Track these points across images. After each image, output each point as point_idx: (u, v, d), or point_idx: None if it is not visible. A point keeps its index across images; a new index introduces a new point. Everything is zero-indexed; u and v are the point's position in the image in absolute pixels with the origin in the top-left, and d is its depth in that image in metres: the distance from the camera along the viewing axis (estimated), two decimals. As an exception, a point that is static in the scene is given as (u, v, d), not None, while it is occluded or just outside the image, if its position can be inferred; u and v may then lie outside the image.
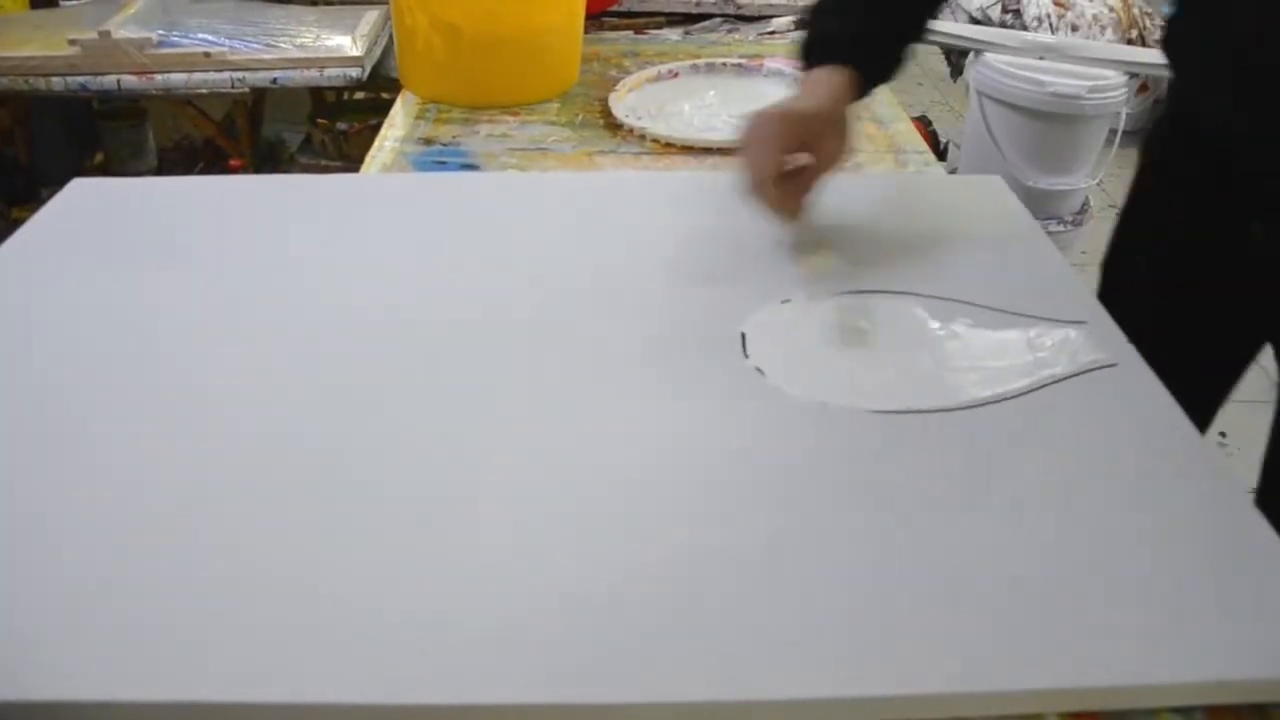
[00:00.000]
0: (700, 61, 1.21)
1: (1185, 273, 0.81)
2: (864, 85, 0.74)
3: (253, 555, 0.48)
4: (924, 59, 3.46)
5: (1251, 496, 0.52)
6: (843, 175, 0.93)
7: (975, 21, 2.28)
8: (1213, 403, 0.86)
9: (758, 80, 1.19)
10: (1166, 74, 0.80)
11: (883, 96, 1.16)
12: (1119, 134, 2.16)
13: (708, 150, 1.00)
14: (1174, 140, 0.82)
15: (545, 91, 1.13)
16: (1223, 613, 0.45)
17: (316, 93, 2.10)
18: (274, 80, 1.59)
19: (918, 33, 0.79)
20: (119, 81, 1.55)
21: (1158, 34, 2.15)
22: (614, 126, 1.06)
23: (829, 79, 0.72)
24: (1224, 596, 0.46)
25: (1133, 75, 2.09)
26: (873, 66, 0.75)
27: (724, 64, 1.21)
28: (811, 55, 0.75)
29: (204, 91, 1.60)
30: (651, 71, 1.18)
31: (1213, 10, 0.72)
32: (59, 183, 0.84)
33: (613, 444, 0.55)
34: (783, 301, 0.68)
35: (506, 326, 0.65)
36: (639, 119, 1.06)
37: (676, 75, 1.19)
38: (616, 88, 1.12)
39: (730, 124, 1.06)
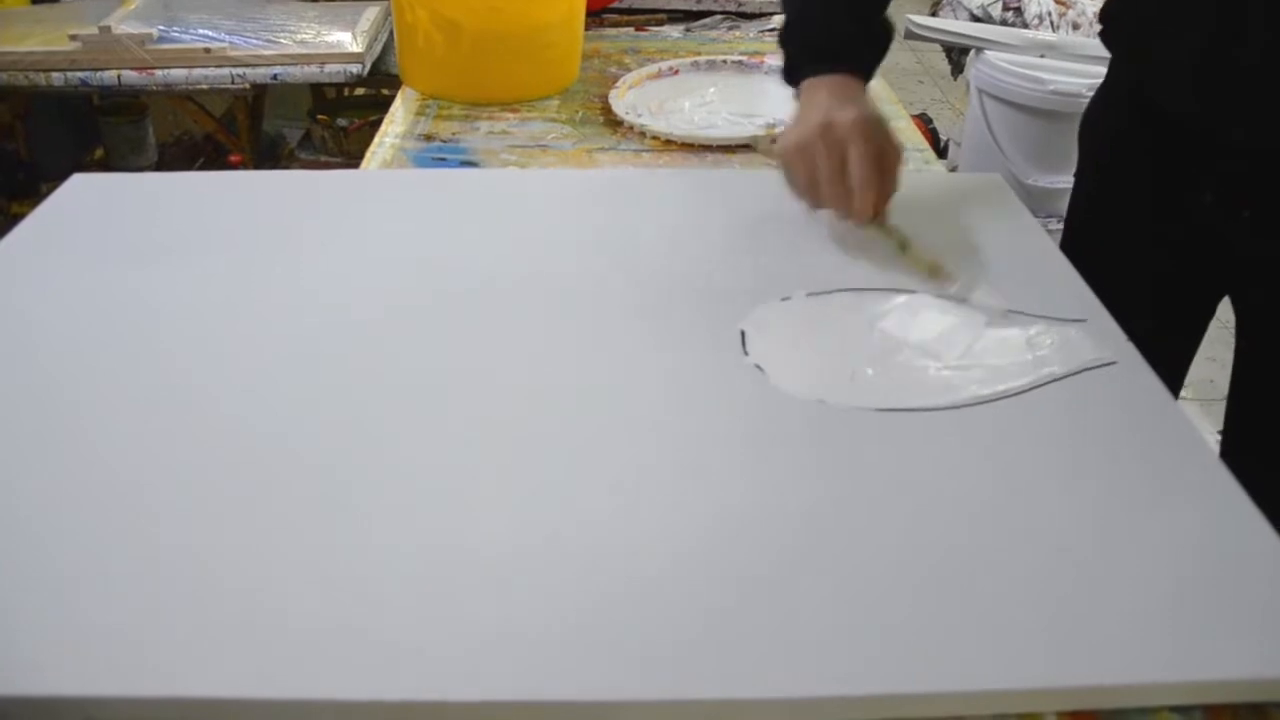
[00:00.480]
0: (701, 59, 1.21)
1: (1143, 234, 0.84)
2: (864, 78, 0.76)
3: (248, 552, 0.47)
4: (925, 57, 3.46)
5: (1249, 498, 0.52)
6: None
7: (976, 19, 2.28)
8: (1181, 359, 0.90)
9: (758, 77, 1.19)
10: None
11: (883, 94, 1.16)
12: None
13: (708, 147, 1.00)
14: (1123, 113, 0.84)
15: (546, 88, 1.13)
16: (1221, 612, 0.45)
17: (317, 89, 2.10)
18: (274, 76, 1.59)
19: (889, 31, 0.81)
20: (119, 77, 1.55)
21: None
22: (614, 123, 1.06)
23: (832, 78, 0.74)
24: (1222, 596, 0.46)
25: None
26: (868, 58, 0.77)
27: (724, 61, 1.21)
28: (801, 65, 0.77)
29: (204, 87, 1.60)
30: (652, 69, 1.18)
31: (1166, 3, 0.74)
32: (59, 178, 0.84)
33: (612, 441, 0.55)
34: (782, 299, 0.68)
35: (506, 323, 0.65)
36: (639, 116, 1.06)
37: (677, 72, 1.18)
38: (617, 85, 1.12)
39: (730, 121, 1.06)
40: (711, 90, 1.15)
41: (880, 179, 0.71)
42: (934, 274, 0.70)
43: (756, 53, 1.24)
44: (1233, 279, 0.82)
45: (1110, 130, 0.87)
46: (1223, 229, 0.77)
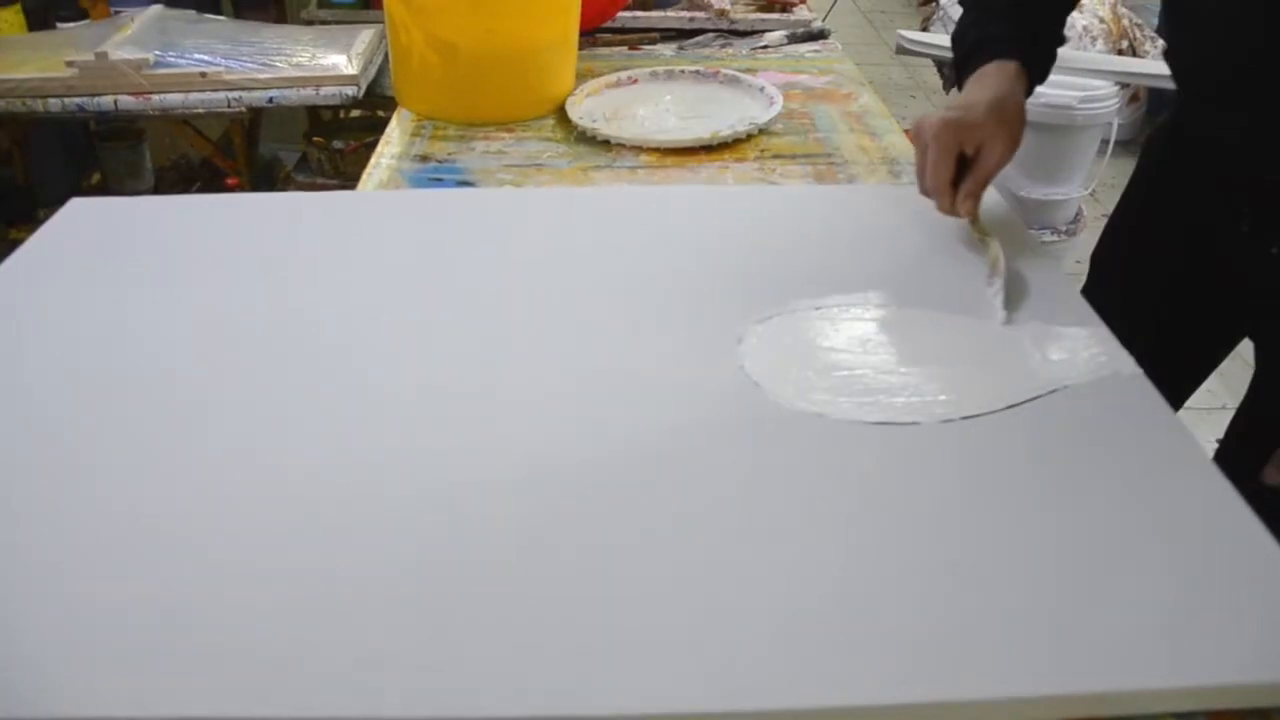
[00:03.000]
0: (660, 69, 1.23)
1: (1172, 267, 0.85)
2: (1029, 81, 0.77)
3: (245, 573, 0.48)
4: (916, 72, 3.49)
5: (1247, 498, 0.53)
6: (837, 189, 0.93)
7: (967, 34, 2.29)
8: (1188, 386, 0.92)
9: (714, 86, 1.21)
10: (1156, 84, 0.85)
11: (875, 109, 1.17)
12: (1111, 144, 2.17)
13: (701, 164, 1.01)
14: (1172, 143, 0.86)
15: (541, 108, 1.14)
16: (1223, 618, 0.45)
17: (312, 111, 2.11)
18: (270, 99, 1.60)
19: (1061, 31, 0.83)
20: (116, 102, 1.56)
21: (1148, 45, 2.16)
22: (608, 142, 1.06)
23: (999, 72, 0.75)
24: (1224, 602, 0.46)
25: (1123, 85, 2.10)
26: (1036, 63, 0.78)
27: (682, 71, 1.22)
28: (976, 57, 0.78)
29: (200, 111, 1.60)
30: (611, 78, 1.19)
31: (1208, 24, 0.74)
32: (57, 203, 0.84)
33: (610, 456, 0.55)
34: (780, 313, 0.68)
35: (503, 343, 0.65)
36: (593, 122, 1.07)
37: (636, 81, 1.20)
38: (575, 92, 1.14)
39: (681, 126, 1.08)
40: (668, 98, 1.17)
41: (973, 176, 0.73)
42: (992, 268, 0.72)
43: (750, 69, 1.25)
44: (1255, 314, 0.83)
45: (1158, 156, 0.89)
46: (1251, 262, 0.78)
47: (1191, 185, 0.83)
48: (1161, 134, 0.90)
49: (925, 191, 0.76)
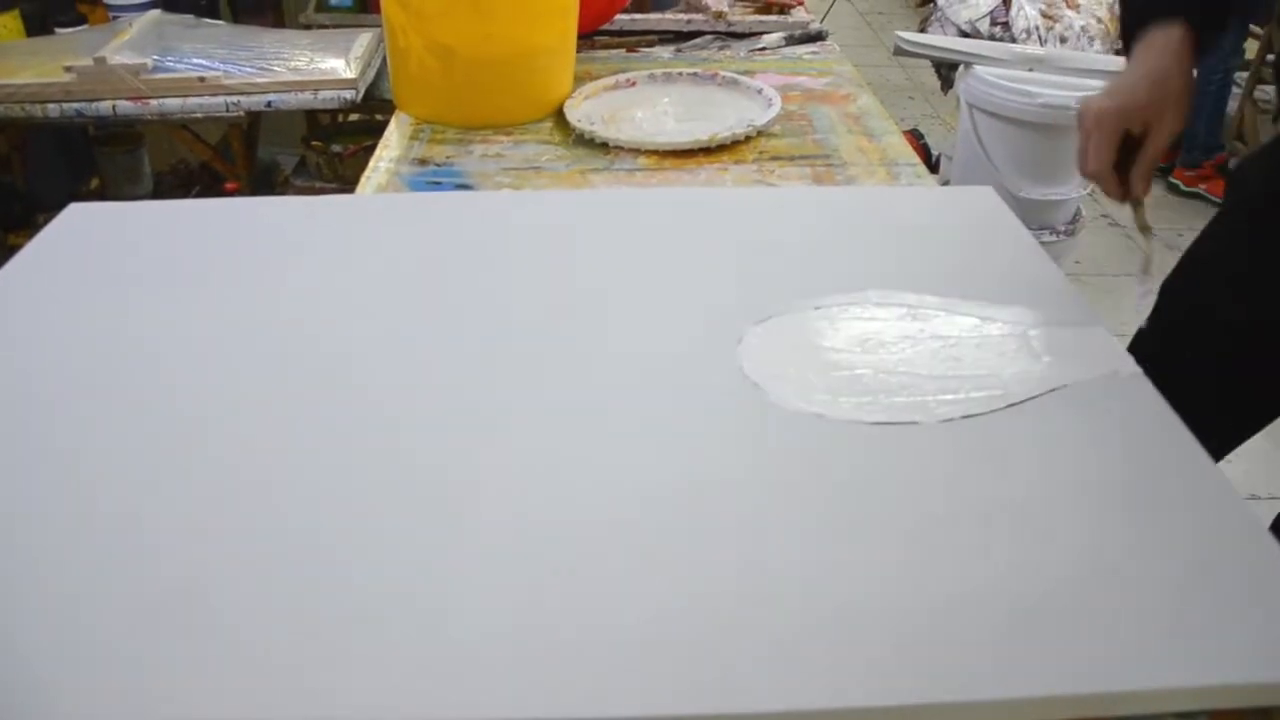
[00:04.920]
0: (658, 71, 1.23)
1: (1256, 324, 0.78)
2: (1201, 37, 0.72)
3: (244, 577, 0.47)
4: (915, 73, 3.49)
5: (1249, 501, 0.52)
6: (836, 190, 0.93)
7: (965, 35, 2.30)
8: (1233, 443, 0.85)
9: (712, 88, 1.21)
10: None
11: (874, 110, 1.17)
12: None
13: (700, 165, 1.01)
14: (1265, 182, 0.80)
15: (539, 111, 1.14)
16: (1225, 617, 0.45)
17: (311, 115, 2.11)
18: (269, 103, 1.60)
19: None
20: (114, 107, 1.56)
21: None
22: (607, 145, 1.06)
23: (1165, 40, 0.71)
24: (1226, 601, 0.46)
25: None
26: (1208, 13, 0.72)
27: (680, 73, 1.22)
28: (1141, 18, 0.73)
29: (199, 116, 1.60)
30: (609, 80, 1.19)
31: None
32: (55, 208, 0.84)
33: (611, 458, 0.55)
34: (779, 313, 0.68)
35: (502, 345, 0.65)
36: (591, 125, 1.07)
37: (634, 84, 1.20)
38: (573, 96, 1.14)
39: (678, 128, 1.08)
40: (665, 100, 1.17)
41: (1140, 157, 0.70)
42: (1144, 268, 0.72)
43: (747, 71, 1.25)
44: None
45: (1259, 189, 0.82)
46: None
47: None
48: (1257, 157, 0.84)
49: (1086, 174, 0.73)
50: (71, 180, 2.08)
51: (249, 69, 1.62)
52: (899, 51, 2.18)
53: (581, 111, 1.12)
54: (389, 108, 1.20)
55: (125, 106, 1.56)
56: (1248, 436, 0.85)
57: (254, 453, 0.56)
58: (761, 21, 1.45)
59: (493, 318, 0.68)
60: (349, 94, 1.61)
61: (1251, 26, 2.68)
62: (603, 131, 1.06)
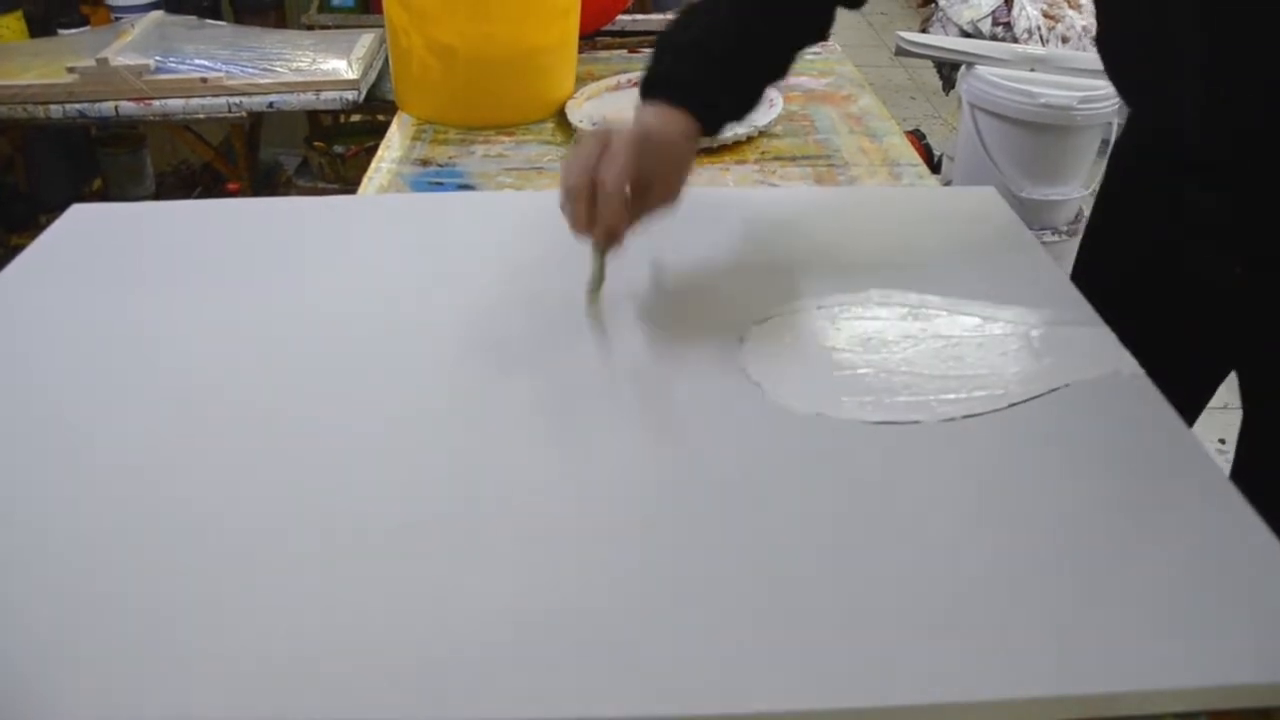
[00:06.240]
0: None
1: (1149, 296, 0.77)
2: (706, 130, 0.70)
3: (245, 578, 0.48)
4: (916, 73, 3.49)
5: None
6: (838, 190, 0.93)
7: (966, 35, 2.30)
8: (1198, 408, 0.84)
9: None
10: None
11: (875, 110, 1.17)
12: (1110, 144, 2.17)
13: (700, 165, 1.01)
14: (1139, 163, 0.79)
15: (540, 112, 1.14)
16: (1225, 618, 0.45)
17: (313, 116, 2.11)
18: (270, 104, 1.60)
19: (763, 84, 0.75)
20: (117, 108, 1.56)
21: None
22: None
23: (675, 117, 0.69)
24: (1226, 602, 0.46)
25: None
26: (713, 116, 0.71)
27: None
28: (654, 91, 0.72)
29: (201, 116, 1.60)
30: (611, 81, 1.20)
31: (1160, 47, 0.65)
32: (58, 209, 0.84)
33: (611, 456, 0.55)
34: (781, 313, 0.68)
35: (504, 344, 0.65)
36: (594, 125, 1.07)
37: (635, 84, 1.20)
38: (575, 95, 1.14)
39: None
40: None
41: (638, 204, 0.65)
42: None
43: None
44: (1236, 344, 0.75)
45: (1123, 163, 0.83)
46: (1250, 302, 0.71)
47: (1153, 201, 0.75)
48: (1125, 147, 0.82)
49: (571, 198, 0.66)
50: (74, 181, 2.09)
51: (251, 70, 1.62)
52: (900, 52, 2.18)
53: (583, 112, 1.12)
54: (391, 108, 1.20)
55: (128, 107, 1.56)
56: (1203, 404, 0.83)
57: (257, 452, 0.56)
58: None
59: (494, 317, 0.68)
60: (351, 95, 1.61)
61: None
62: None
